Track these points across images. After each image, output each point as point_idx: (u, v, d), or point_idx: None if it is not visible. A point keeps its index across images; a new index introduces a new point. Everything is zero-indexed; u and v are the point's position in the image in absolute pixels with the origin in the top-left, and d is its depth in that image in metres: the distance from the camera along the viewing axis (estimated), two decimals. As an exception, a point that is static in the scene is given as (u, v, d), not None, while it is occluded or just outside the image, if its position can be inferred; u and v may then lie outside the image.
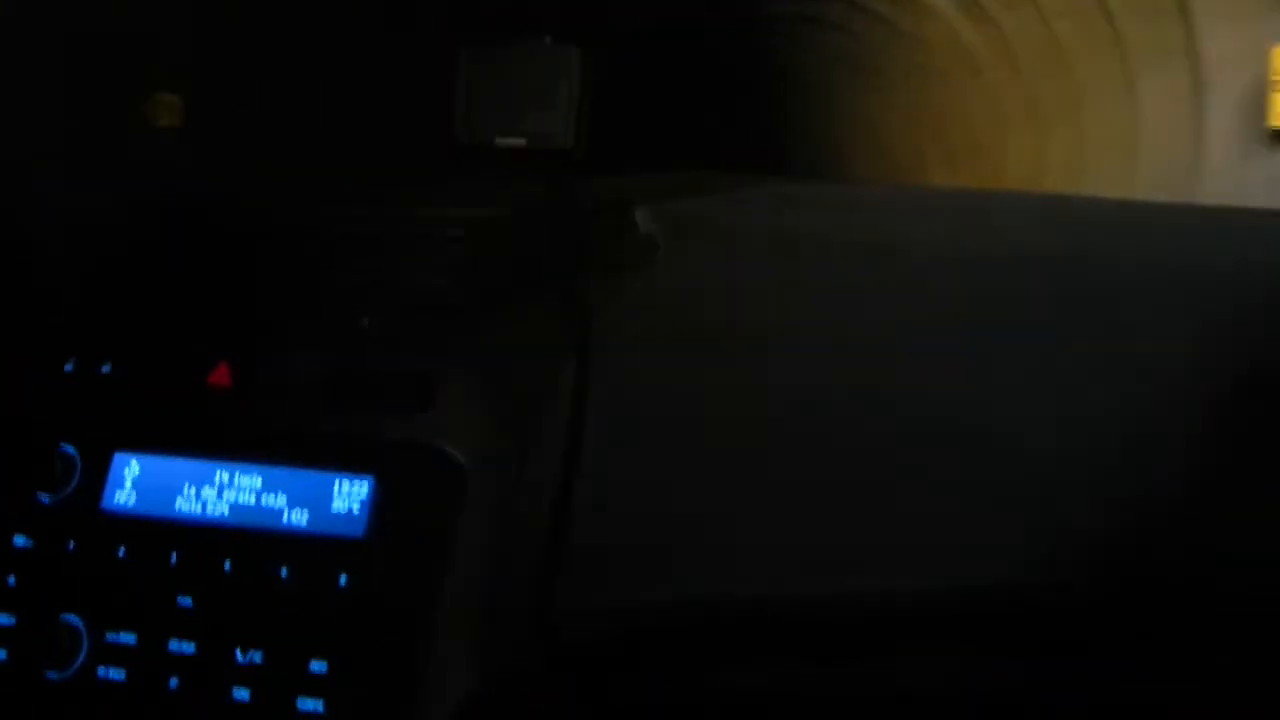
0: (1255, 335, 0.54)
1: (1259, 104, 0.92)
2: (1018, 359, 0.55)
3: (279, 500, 0.57)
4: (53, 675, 0.56)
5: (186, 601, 0.56)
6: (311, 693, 0.54)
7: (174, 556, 0.57)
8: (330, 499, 0.57)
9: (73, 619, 0.57)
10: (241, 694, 0.55)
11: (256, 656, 0.55)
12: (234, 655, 0.55)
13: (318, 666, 0.54)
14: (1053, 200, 0.75)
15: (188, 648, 0.56)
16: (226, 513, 0.58)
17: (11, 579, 0.59)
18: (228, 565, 0.57)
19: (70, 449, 0.60)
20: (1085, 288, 0.56)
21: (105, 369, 0.62)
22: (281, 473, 0.57)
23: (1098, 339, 0.55)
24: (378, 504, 0.56)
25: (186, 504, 0.58)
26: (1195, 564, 0.51)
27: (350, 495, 0.56)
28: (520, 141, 0.68)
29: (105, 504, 0.59)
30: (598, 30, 0.69)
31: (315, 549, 0.56)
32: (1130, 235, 0.62)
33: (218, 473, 0.58)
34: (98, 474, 0.60)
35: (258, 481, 0.58)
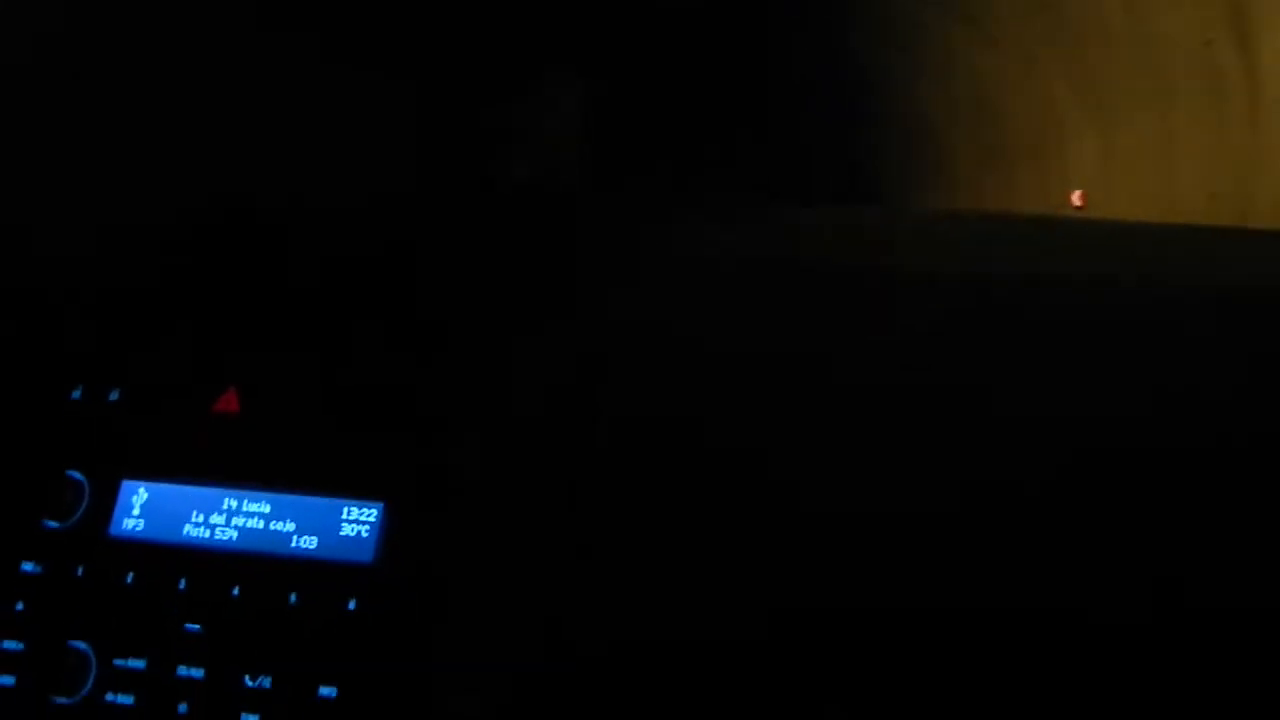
0: None
1: None
2: (1025, 382, 0.56)
3: (287, 526, 0.58)
4: (61, 701, 0.57)
5: (195, 627, 0.57)
6: (321, 718, 0.54)
7: (182, 582, 0.58)
8: (339, 524, 0.57)
9: (81, 645, 0.57)
10: (251, 719, 0.55)
11: (265, 682, 0.55)
12: (243, 680, 0.56)
13: (327, 691, 0.55)
14: (1053, 222, 0.76)
15: (196, 673, 0.56)
16: (235, 538, 0.58)
17: (19, 605, 0.59)
18: (236, 591, 0.57)
19: (78, 476, 0.60)
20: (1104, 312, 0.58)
21: (113, 396, 0.62)
22: (290, 499, 0.58)
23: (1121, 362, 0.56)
24: (386, 529, 0.57)
25: (195, 530, 0.59)
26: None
27: (359, 521, 0.57)
28: (525, 170, 0.69)
29: (113, 530, 0.59)
30: (603, 57, 0.70)
31: (324, 574, 0.57)
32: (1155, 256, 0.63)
33: (226, 499, 0.59)
34: (106, 500, 0.60)
35: (266, 507, 0.58)
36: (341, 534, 0.57)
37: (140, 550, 0.59)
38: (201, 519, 0.59)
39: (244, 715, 0.55)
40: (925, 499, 0.54)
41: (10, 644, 0.58)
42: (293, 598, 0.56)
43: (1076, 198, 0.93)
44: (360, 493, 0.57)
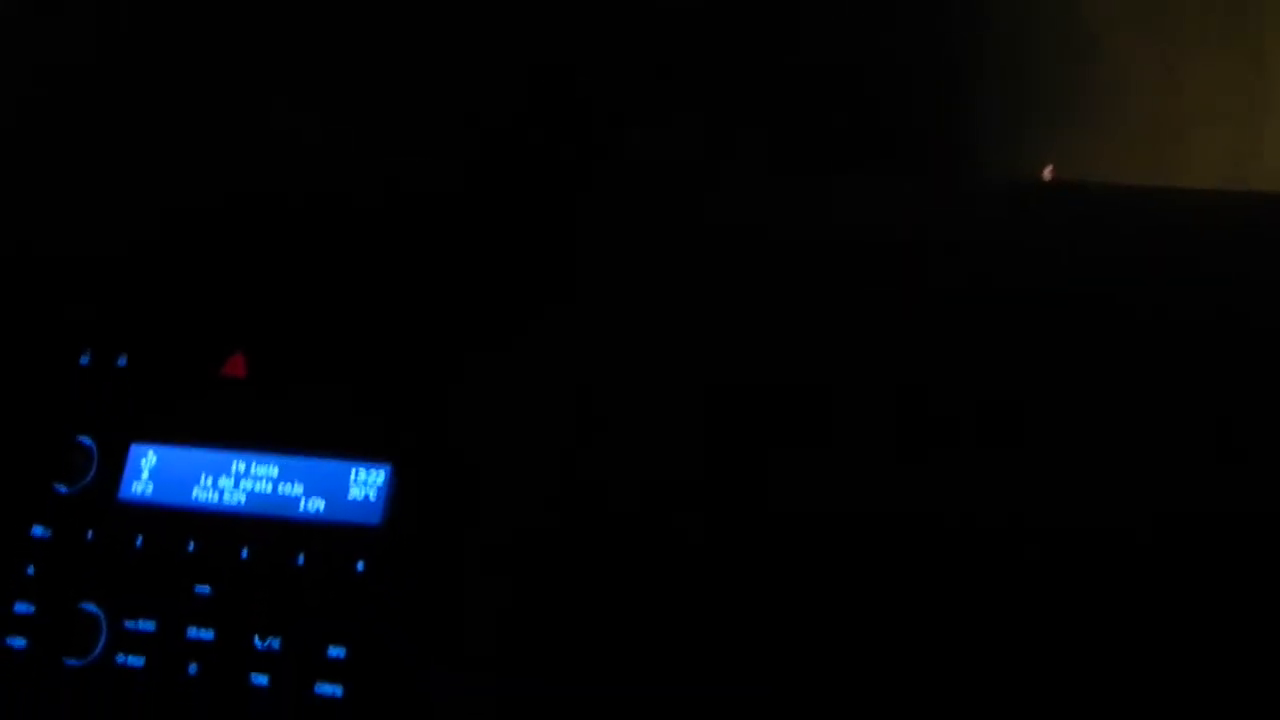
0: None
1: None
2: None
3: (296, 488, 0.58)
4: (72, 663, 0.57)
5: (204, 589, 0.57)
6: (329, 678, 0.55)
7: (191, 545, 0.58)
8: (347, 486, 0.57)
9: (91, 607, 0.58)
10: (260, 680, 0.55)
11: (275, 643, 0.56)
12: (252, 642, 0.56)
13: (335, 652, 0.55)
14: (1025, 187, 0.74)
15: (206, 635, 0.56)
16: (243, 501, 0.58)
17: (30, 569, 0.59)
18: (245, 553, 0.57)
19: (87, 440, 0.61)
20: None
21: (121, 362, 0.62)
22: (298, 461, 0.58)
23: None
24: (394, 491, 0.57)
25: (203, 493, 0.59)
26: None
27: (367, 483, 0.57)
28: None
29: (123, 494, 0.60)
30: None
31: (332, 536, 0.57)
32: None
33: (234, 462, 0.59)
34: (115, 465, 0.60)
35: (274, 470, 0.58)
36: (350, 496, 0.57)
37: (149, 513, 0.59)
38: (210, 482, 0.59)
39: (253, 676, 0.55)
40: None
41: (22, 607, 0.59)
42: (301, 559, 0.57)
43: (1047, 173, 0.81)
44: (368, 454, 0.58)
